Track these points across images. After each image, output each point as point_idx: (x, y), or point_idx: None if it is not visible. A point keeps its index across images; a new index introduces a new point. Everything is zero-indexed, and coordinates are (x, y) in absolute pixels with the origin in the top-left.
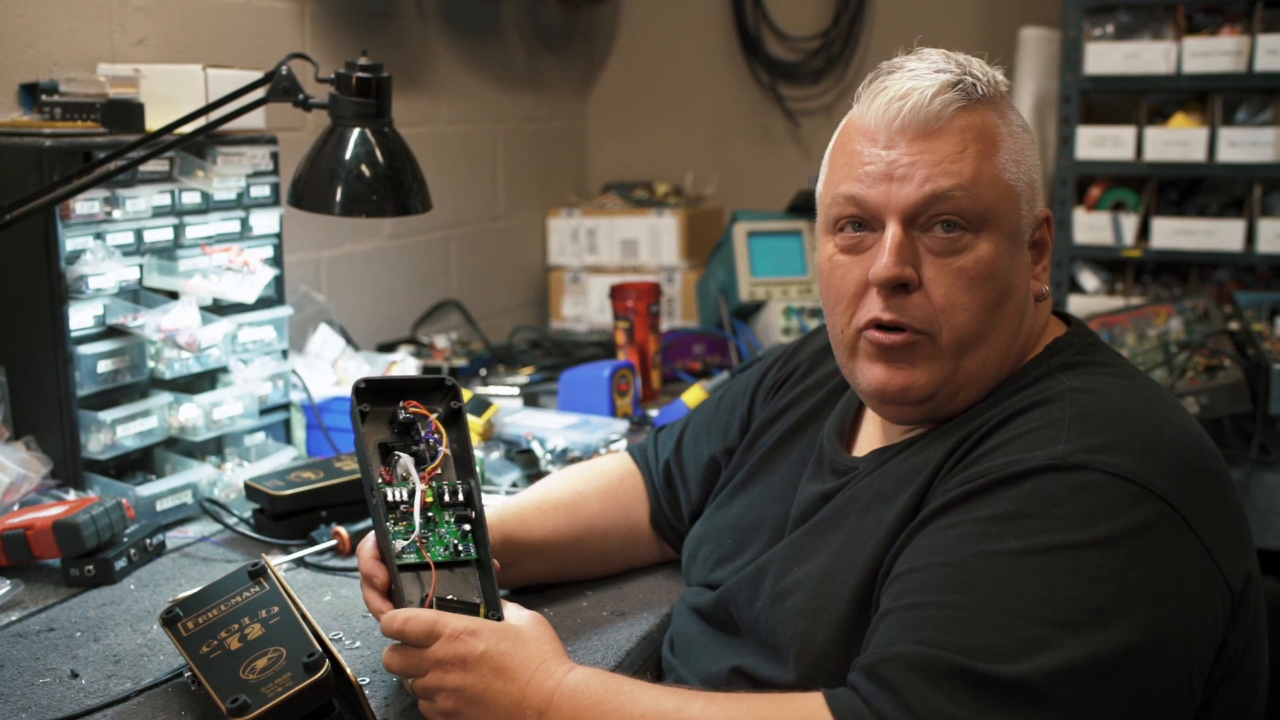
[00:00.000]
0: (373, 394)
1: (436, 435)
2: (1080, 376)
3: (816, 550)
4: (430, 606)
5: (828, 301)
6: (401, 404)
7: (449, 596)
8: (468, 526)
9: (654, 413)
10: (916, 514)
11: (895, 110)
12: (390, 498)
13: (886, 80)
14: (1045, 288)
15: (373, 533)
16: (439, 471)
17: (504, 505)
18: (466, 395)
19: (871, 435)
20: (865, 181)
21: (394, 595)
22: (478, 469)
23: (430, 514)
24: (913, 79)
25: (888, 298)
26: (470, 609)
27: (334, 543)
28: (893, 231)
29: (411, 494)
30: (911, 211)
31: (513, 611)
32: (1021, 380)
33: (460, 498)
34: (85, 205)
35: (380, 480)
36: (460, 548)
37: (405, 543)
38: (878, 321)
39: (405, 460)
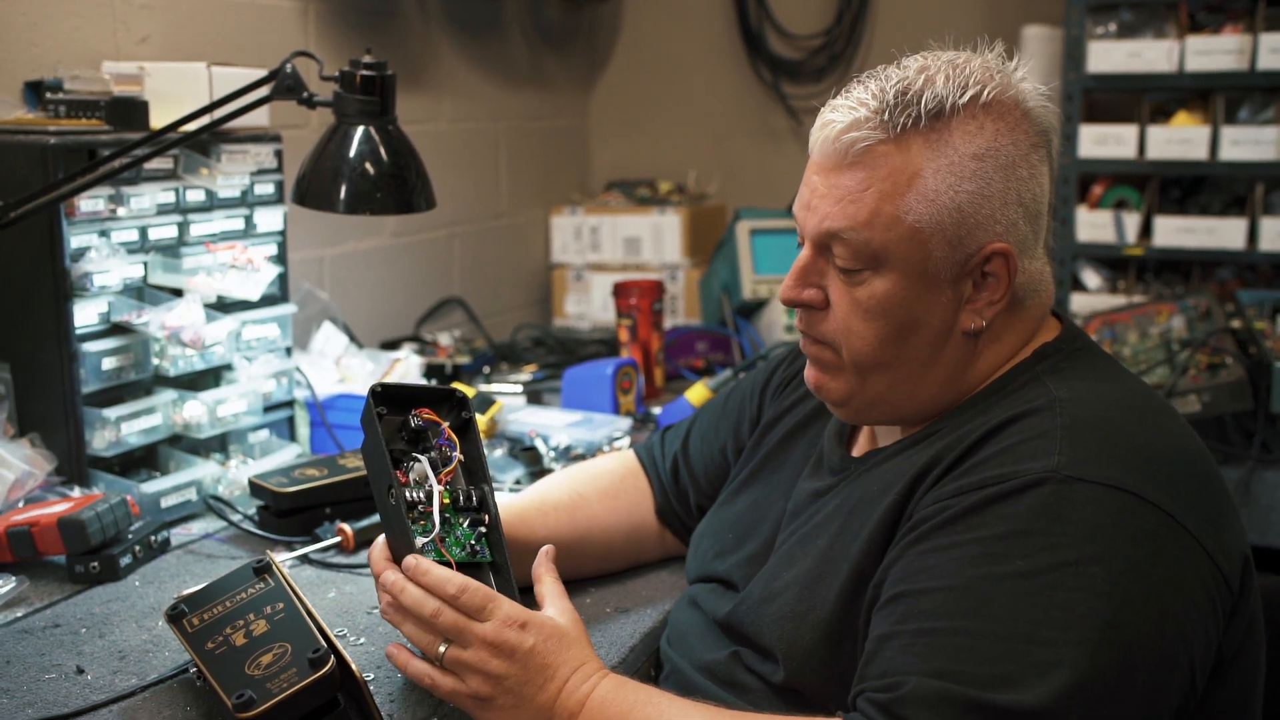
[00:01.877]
0: (386, 400)
1: (450, 442)
2: (1067, 384)
3: (805, 554)
4: None
5: None
6: (414, 412)
7: None
8: (483, 529)
9: (657, 410)
10: (900, 517)
11: (814, 139)
12: (409, 497)
13: (828, 104)
14: (981, 323)
15: (382, 536)
16: (453, 477)
17: (504, 505)
18: (470, 393)
19: (868, 436)
20: (798, 203)
21: None
22: (490, 475)
23: (446, 516)
24: (833, 110)
25: (802, 312)
26: None
27: (338, 539)
28: (802, 254)
29: (429, 495)
30: (817, 241)
31: (555, 609)
32: (1008, 384)
33: (475, 502)
34: (90, 203)
35: (397, 482)
36: (477, 549)
37: (426, 540)
38: (803, 330)
39: (422, 464)
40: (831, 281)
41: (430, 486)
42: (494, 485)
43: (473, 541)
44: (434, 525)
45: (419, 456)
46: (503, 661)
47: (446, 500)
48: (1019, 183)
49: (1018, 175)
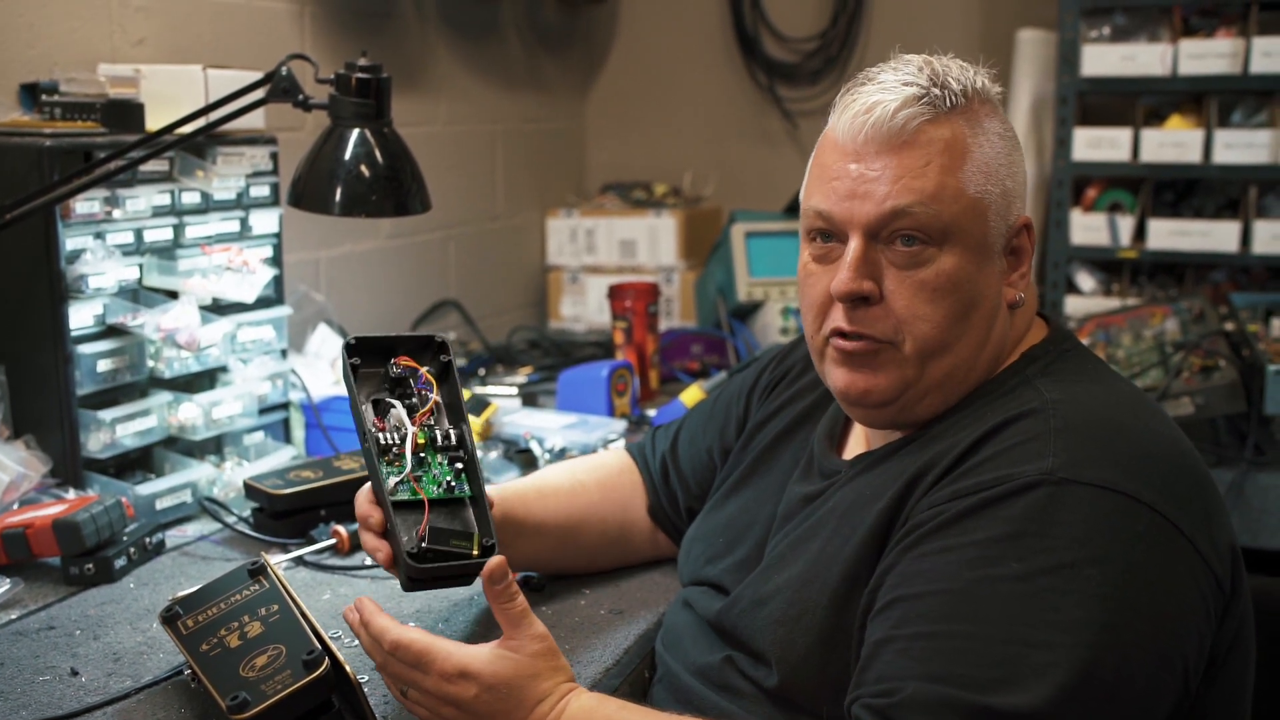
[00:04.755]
0: (364, 352)
1: (428, 384)
2: (1058, 386)
3: (796, 557)
4: (423, 538)
5: (802, 307)
6: (393, 360)
7: (443, 526)
8: (460, 466)
9: (652, 413)
10: (893, 522)
11: (860, 124)
12: (382, 441)
13: (857, 92)
14: (1020, 295)
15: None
16: (430, 417)
17: (504, 486)
18: (465, 395)
19: (859, 438)
20: (831, 197)
21: (389, 534)
22: (469, 419)
23: (423, 455)
24: (880, 91)
25: (849, 310)
26: (465, 538)
27: (333, 541)
28: (853, 246)
29: (404, 437)
30: (873, 227)
31: (509, 643)
32: (999, 388)
33: (452, 441)
34: (85, 205)
35: (373, 428)
36: (454, 485)
37: (398, 479)
38: (840, 331)
39: (398, 409)
40: (886, 271)
41: (405, 429)
42: (489, 487)
43: (449, 478)
44: (406, 464)
45: (394, 402)
46: (452, 709)
47: (423, 440)
48: (1022, 163)
49: (1020, 156)
